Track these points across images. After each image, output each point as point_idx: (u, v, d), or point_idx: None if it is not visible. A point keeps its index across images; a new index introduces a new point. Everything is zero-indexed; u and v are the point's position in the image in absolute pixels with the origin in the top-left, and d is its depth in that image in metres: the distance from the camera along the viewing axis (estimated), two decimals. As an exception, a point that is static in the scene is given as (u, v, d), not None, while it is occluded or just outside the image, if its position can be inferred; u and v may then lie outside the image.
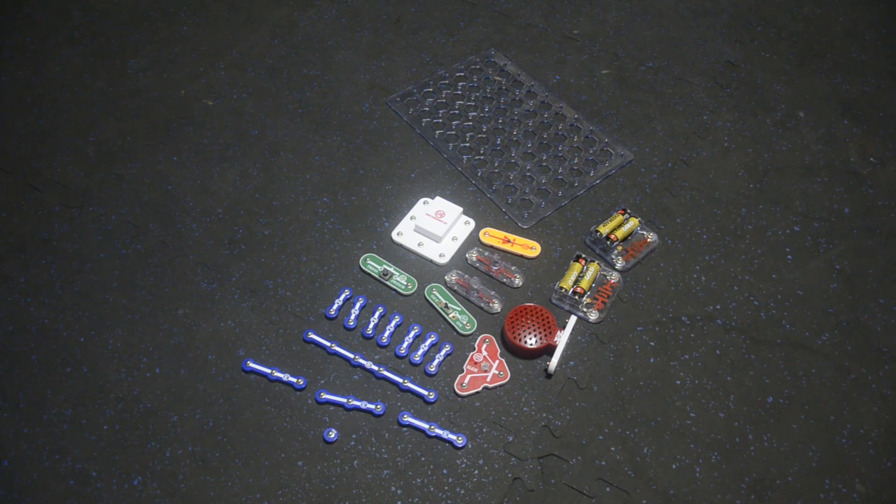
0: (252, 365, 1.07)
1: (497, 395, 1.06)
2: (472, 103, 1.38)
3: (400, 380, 1.06)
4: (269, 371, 1.06)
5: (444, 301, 1.14)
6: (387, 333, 1.10)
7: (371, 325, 1.11)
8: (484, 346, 1.10)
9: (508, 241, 1.20)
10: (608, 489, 0.98)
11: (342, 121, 1.37)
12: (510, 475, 0.99)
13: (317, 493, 0.97)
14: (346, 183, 1.29)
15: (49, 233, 1.22)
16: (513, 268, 1.17)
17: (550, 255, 1.20)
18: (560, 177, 1.29)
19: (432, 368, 1.07)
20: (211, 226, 1.23)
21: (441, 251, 1.19)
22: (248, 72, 1.45)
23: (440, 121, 1.36)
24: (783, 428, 1.02)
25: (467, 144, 1.32)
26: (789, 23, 1.54)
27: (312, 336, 1.10)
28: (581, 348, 1.10)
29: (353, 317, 1.12)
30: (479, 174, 1.28)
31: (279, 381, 1.06)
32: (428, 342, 1.09)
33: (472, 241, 1.22)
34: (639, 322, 1.12)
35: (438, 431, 1.01)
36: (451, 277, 1.16)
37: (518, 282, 1.16)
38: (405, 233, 1.21)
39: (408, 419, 1.02)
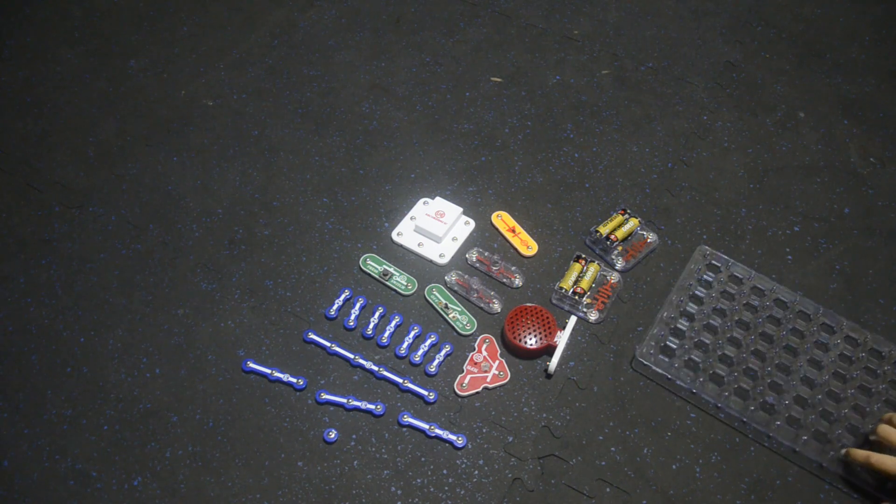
0: (252, 365, 1.07)
1: (497, 396, 1.06)
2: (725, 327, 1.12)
3: (400, 380, 1.06)
4: (269, 371, 1.06)
5: (444, 301, 1.14)
6: (387, 334, 1.10)
7: (371, 326, 1.11)
8: (484, 346, 1.10)
9: (513, 232, 1.20)
10: (608, 489, 0.98)
11: (342, 121, 1.37)
12: (510, 475, 0.99)
13: (317, 493, 0.97)
14: (346, 183, 1.29)
15: (49, 233, 1.22)
16: (513, 268, 1.17)
17: (550, 255, 1.20)
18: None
19: (432, 369, 1.07)
20: (211, 226, 1.23)
21: (441, 251, 1.19)
22: (248, 72, 1.45)
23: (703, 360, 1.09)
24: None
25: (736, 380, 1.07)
26: (789, 23, 1.54)
27: (312, 336, 1.10)
28: (581, 348, 1.10)
29: (353, 317, 1.12)
30: (777, 425, 1.02)
31: (279, 381, 1.06)
32: (428, 342, 1.09)
33: (473, 241, 1.22)
34: (639, 322, 1.12)
35: (438, 432, 1.01)
36: (451, 278, 1.16)
37: (518, 282, 1.16)
38: (405, 233, 1.21)
39: (408, 419, 1.02)
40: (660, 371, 1.06)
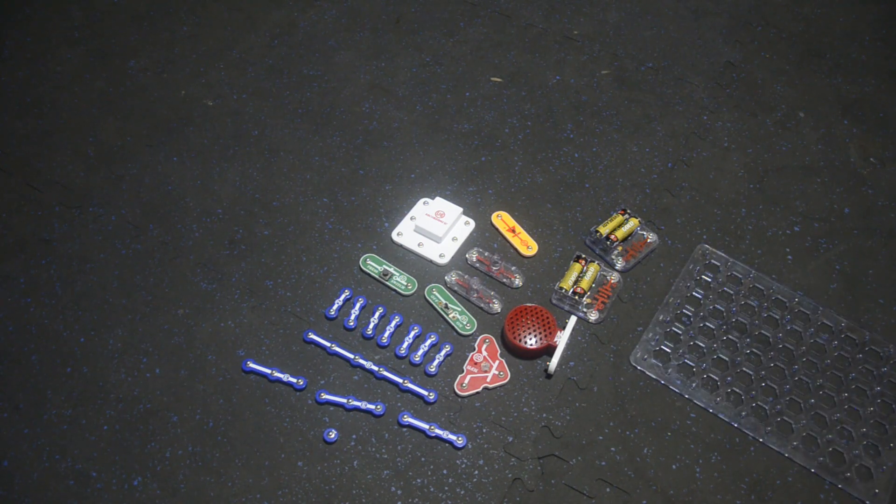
0: (252, 365, 1.07)
1: (497, 396, 1.06)
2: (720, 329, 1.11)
3: (400, 380, 1.06)
4: (269, 371, 1.06)
5: (444, 301, 1.14)
6: (387, 334, 1.10)
7: (371, 326, 1.11)
8: (484, 346, 1.10)
9: (513, 232, 1.20)
10: (608, 489, 0.98)
11: (342, 121, 1.37)
12: (510, 475, 0.99)
13: (317, 493, 0.97)
14: (346, 183, 1.29)
15: (49, 233, 1.22)
16: (513, 268, 1.17)
17: (550, 255, 1.20)
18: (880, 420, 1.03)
19: (432, 369, 1.07)
20: (211, 226, 1.23)
21: (441, 251, 1.19)
22: (248, 72, 1.45)
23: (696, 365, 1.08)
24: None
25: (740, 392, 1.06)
26: (789, 23, 1.54)
27: (312, 336, 1.10)
28: (581, 348, 1.10)
29: (353, 317, 1.12)
30: (767, 430, 1.02)
31: (279, 381, 1.06)
32: (428, 342, 1.09)
33: (472, 241, 1.22)
34: (639, 322, 1.12)
35: (438, 432, 1.01)
36: (451, 278, 1.16)
37: (518, 282, 1.16)
38: (405, 233, 1.21)
39: (408, 419, 1.02)
40: (653, 376, 1.06)
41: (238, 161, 1.32)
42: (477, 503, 0.97)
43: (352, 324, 1.11)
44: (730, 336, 1.10)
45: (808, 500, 0.97)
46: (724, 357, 1.08)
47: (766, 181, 1.29)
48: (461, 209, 1.22)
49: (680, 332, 1.11)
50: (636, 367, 1.07)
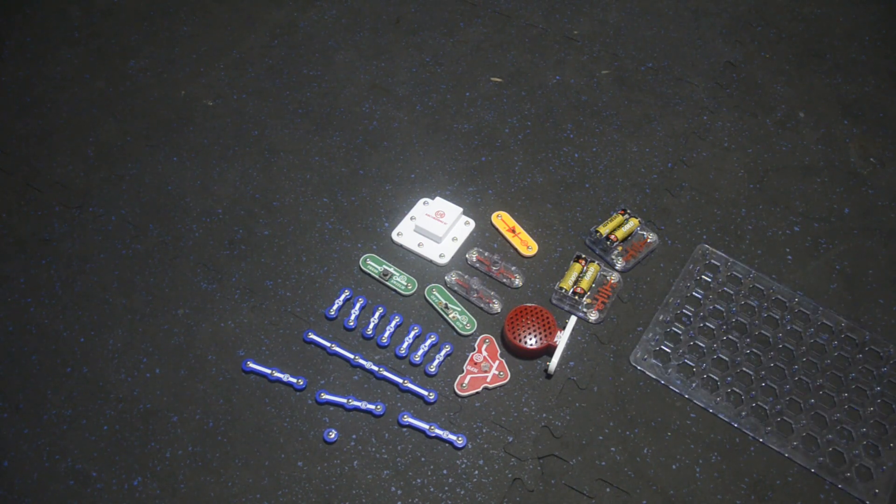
0: (252, 365, 1.07)
1: (497, 396, 1.06)
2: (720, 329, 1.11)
3: (400, 380, 1.06)
4: (269, 371, 1.06)
5: (444, 301, 1.14)
6: (387, 334, 1.10)
7: (371, 326, 1.11)
8: (484, 346, 1.10)
9: (513, 232, 1.20)
10: (608, 489, 0.98)
11: (342, 121, 1.37)
12: (510, 475, 0.99)
13: (317, 493, 0.97)
14: (346, 183, 1.29)
15: (49, 233, 1.22)
16: (513, 268, 1.17)
17: (550, 255, 1.20)
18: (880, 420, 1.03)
19: (432, 369, 1.07)
20: (211, 226, 1.23)
21: (441, 251, 1.19)
22: (248, 72, 1.45)
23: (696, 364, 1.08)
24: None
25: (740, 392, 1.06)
26: (789, 23, 1.54)
27: (312, 336, 1.10)
28: (581, 348, 1.10)
29: (353, 317, 1.12)
30: (767, 430, 1.02)
31: (279, 381, 1.06)
32: (428, 342, 1.09)
33: (472, 241, 1.22)
34: (639, 322, 1.12)
35: (438, 432, 1.01)
36: (451, 278, 1.16)
37: (518, 282, 1.16)
38: (405, 233, 1.21)
39: (408, 419, 1.02)
40: (653, 376, 1.06)
41: (238, 161, 1.32)
42: (477, 503, 0.97)
43: (352, 324, 1.11)
44: (730, 336, 1.10)
45: (808, 500, 0.97)
46: (724, 357, 1.08)
47: (766, 181, 1.29)
48: (461, 209, 1.22)
49: (680, 332, 1.11)
50: (636, 367, 1.07)
